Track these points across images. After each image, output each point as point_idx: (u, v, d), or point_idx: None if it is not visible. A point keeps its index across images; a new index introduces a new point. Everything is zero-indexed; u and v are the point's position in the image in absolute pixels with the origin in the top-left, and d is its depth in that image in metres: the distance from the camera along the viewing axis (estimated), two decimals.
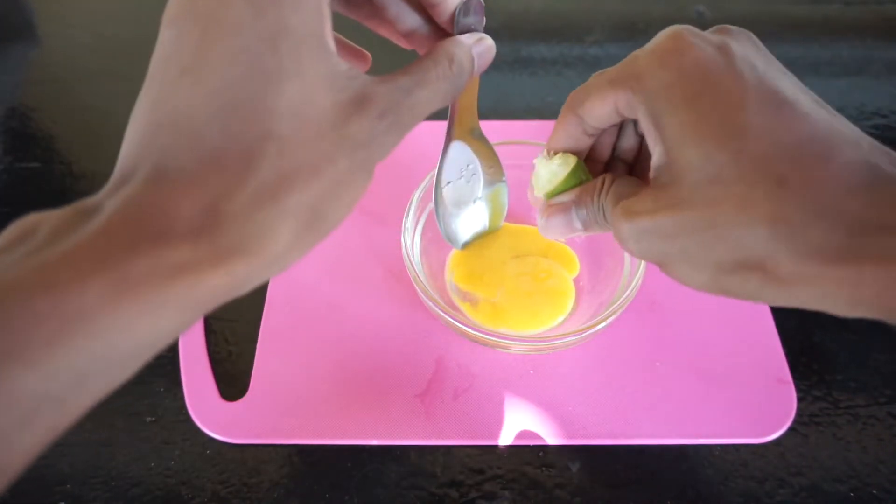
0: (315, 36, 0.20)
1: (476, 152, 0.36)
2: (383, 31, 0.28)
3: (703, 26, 0.24)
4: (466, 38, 0.26)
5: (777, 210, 0.19)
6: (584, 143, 0.29)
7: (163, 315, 0.17)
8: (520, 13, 0.66)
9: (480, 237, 0.41)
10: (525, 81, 0.59)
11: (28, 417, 0.16)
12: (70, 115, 0.58)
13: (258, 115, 0.19)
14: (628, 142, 0.30)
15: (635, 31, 0.64)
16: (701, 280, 0.22)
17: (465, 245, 0.41)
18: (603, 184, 0.27)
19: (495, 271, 0.41)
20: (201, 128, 0.19)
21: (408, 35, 0.27)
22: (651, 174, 0.24)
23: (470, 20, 0.27)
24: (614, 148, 0.30)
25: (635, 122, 0.29)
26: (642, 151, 0.30)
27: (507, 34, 0.63)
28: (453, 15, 0.26)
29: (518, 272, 0.41)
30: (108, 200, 0.18)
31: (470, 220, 0.39)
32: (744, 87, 0.21)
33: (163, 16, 0.20)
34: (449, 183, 0.36)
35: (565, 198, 0.29)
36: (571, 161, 0.29)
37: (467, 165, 0.37)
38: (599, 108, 0.26)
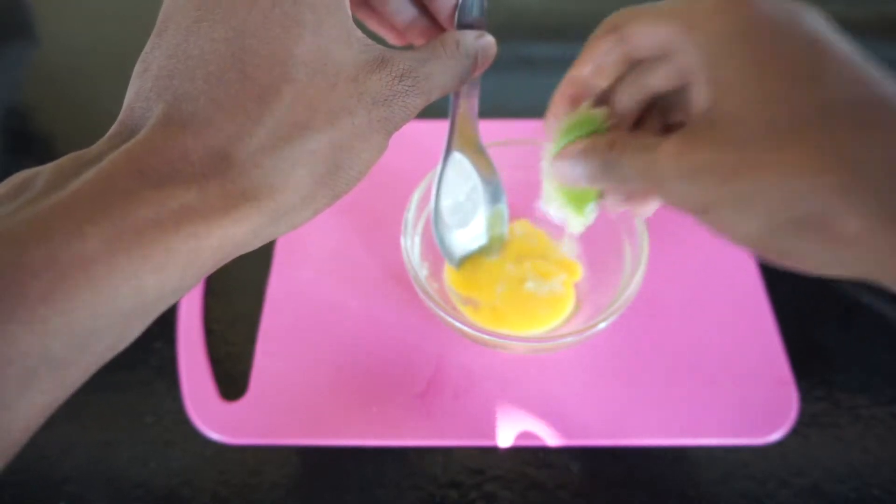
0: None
1: (476, 166, 0.35)
2: (372, 24, 0.28)
3: None
4: (468, 32, 0.26)
5: (858, 156, 0.17)
6: (610, 74, 0.27)
7: (169, 265, 0.16)
8: (520, 13, 0.66)
9: (477, 256, 0.40)
10: (525, 81, 0.59)
11: (26, 381, 0.15)
12: (70, 115, 0.58)
13: (276, 59, 0.19)
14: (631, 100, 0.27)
15: None
16: (749, 231, 0.20)
17: (462, 262, 0.40)
18: (621, 134, 0.25)
19: (494, 274, 0.41)
20: (217, 71, 0.18)
21: (405, 30, 0.27)
22: (694, 119, 0.22)
23: (471, 19, 0.27)
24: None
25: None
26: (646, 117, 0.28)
27: (506, 34, 0.63)
28: (453, 11, 0.26)
29: (517, 275, 0.41)
30: (111, 150, 0.17)
31: (467, 237, 0.39)
32: (815, 40, 0.19)
33: None
34: (447, 198, 0.35)
35: (580, 145, 0.27)
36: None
37: (467, 179, 0.36)
38: (650, 33, 0.23)
